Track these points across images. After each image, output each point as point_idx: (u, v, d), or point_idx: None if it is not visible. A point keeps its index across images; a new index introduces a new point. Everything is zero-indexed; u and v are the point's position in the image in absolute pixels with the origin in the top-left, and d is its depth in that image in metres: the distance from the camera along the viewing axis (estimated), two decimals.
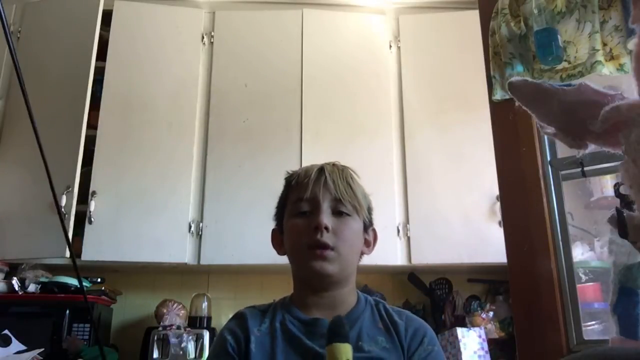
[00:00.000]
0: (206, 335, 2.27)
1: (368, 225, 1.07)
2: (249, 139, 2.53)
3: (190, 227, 2.40)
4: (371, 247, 1.09)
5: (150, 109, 2.54)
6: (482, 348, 2.24)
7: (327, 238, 0.97)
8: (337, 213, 1.01)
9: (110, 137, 2.47)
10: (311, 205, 1.01)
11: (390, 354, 0.95)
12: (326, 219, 0.98)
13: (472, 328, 2.30)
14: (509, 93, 1.03)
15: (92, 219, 2.34)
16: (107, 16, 2.60)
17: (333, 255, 0.97)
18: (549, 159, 1.84)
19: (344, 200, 1.01)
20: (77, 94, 2.38)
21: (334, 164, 1.07)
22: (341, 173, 1.04)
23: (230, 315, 1.04)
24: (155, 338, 2.23)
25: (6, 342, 2.02)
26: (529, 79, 1.14)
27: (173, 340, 2.21)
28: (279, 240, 1.07)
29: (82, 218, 2.32)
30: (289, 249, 1.03)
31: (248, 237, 2.31)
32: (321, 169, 1.04)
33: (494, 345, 2.31)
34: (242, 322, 0.99)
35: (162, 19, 2.68)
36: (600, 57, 1.63)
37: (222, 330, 1.02)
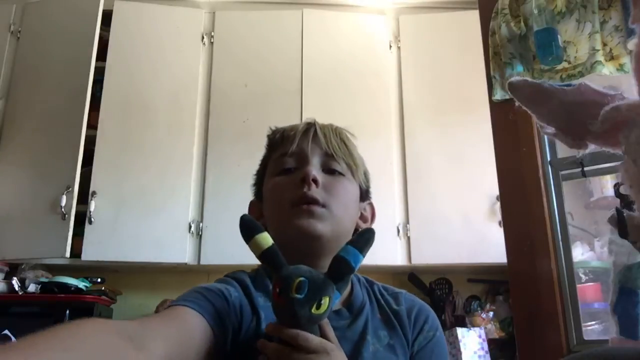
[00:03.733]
0: None
1: (365, 195, 0.91)
2: (249, 139, 2.53)
3: (190, 227, 2.40)
4: (368, 224, 0.91)
5: (150, 109, 2.54)
6: (482, 348, 2.24)
7: (316, 192, 0.80)
8: (329, 171, 0.85)
9: (110, 137, 2.47)
10: (297, 160, 0.84)
11: (395, 350, 0.82)
12: (315, 171, 0.82)
13: (472, 328, 2.30)
14: (509, 93, 1.03)
15: (92, 219, 2.34)
16: (107, 16, 2.60)
17: (323, 212, 0.80)
18: (549, 159, 1.85)
19: (336, 157, 0.85)
20: (77, 94, 2.38)
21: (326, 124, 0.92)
22: (334, 129, 0.90)
23: None
24: None
25: (6, 343, 2.02)
26: (529, 79, 1.14)
27: None
28: (258, 210, 0.89)
29: (82, 218, 2.32)
30: (270, 212, 0.85)
31: None
32: (310, 123, 0.89)
33: (494, 345, 2.31)
34: (243, 286, 0.81)
35: (162, 19, 2.69)
36: (600, 57, 1.64)
37: (221, 283, 0.81)
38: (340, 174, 0.85)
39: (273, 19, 2.73)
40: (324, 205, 0.80)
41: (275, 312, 0.70)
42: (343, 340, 0.75)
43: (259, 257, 0.71)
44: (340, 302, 0.83)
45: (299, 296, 0.66)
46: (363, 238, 0.72)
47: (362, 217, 0.90)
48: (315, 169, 0.82)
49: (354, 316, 0.82)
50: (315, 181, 0.81)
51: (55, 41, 2.56)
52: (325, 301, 0.67)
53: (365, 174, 0.92)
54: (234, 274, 0.84)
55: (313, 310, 0.66)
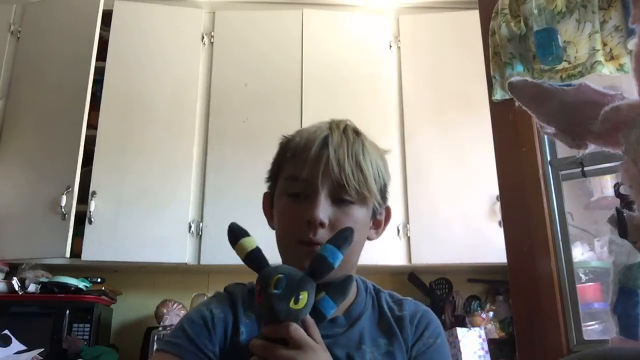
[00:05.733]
0: None
1: (379, 208, 0.90)
2: (249, 139, 2.53)
3: (190, 227, 2.40)
4: (381, 230, 0.92)
5: (150, 109, 2.54)
6: (482, 348, 2.24)
7: (320, 236, 0.80)
8: (339, 200, 0.83)
9: (110, 137, 2.47)
10: (307, 188, 0.82)
11: (394, 357, 0.83)
12: (322, 212, 0.80)
13: (472, 328, 2.30)
14: (509, 93, 1.03)
15: (92, 219, 2.34)
16: (107, 16, 2.60)
17: None
18: (549, 159, 1.84)
19: (348, 187, 0.82)
20: (77, 94, 2.38)
21: (344, 129, 0.87)
22: (350, 147, 0.84)
23: None
24: (155, 338, 2.23)
25: (6, 342, 2.02)
26: (529, 79, 1.15)
27: None
28: (269, 210, 0.91)
29: (82, 218, 2.32)
30: (277, 234, 0.87)
31: None
32: (325, 142, 0.84)
33: (494, 345, 2.31)
34: (233, 304, 0.85)
35: (162, 19, 2.68)
36: (600, 57, 1.63)
37: (203, 304, 0.86)
38: (351, 202, 0.83)
39: (273, 19, 2.73)
40: None
41: (258, 311, 0.73)
42: (336, 346, 0.79)
43: (243, 260, 0.74)
44: (340, 311, 0.85)
45: (276, 291, 0.69)
46: (341, 236, 0.74)
47: (376, 224, 0.90)
48: (322, 207, 0.81)
49: (349, 324, 0.84)
50: (321, 224, 0.80)
51: (55, 41, 2.56)
52: (304, 296, 0.70)
53: (383, 189, 0.89)
54: (231, 288, 0.89)
55: (291, 304, 0.69)
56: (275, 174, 0.91)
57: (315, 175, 0.82)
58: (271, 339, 0.70)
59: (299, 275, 0.71)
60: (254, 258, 0.74)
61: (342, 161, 0.82)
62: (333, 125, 0.88)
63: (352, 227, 0.77)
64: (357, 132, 0.88)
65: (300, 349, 0.68)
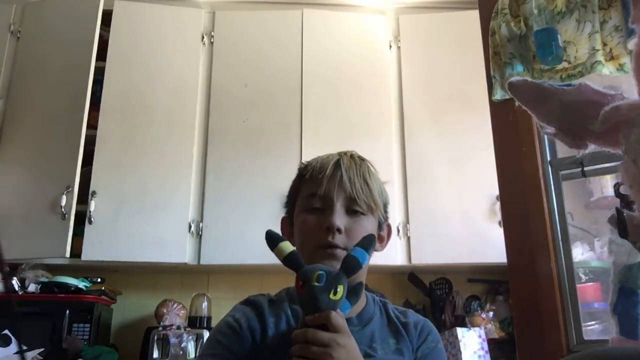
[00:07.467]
0: (206, 335, 2.27)
1: (383, 222, 1.04)
2: (249, 139, 2.53)
3: (190, 227, 2.40)
4: (384, 243, 1.06)
5: (151, 109, 2.54)
6: (482, 348, 2.24)
7: (338, 239, 0.93)
8: (351, 211, 0.97)
9: (110, 137, 2.47)
10: (324, 202, 0.96)
11: (402, 353, 0.95)
12: (339, 219, 0.94)
13: (472, 328, 2.30)
14: (509, 93, 1.03)
15: (92, 219, 2.34)
16: (107, 16, 2.60)
17: (343, 255, 0.92)
18: (549, 159, 1.84)
19: (359, 200, 0.96)
20: (77, 94, 2.37)
21: (351, 156, 1.02)
22: (358, 169, 1.00)
23: None
24: (155, 338, 2.23)
25: (6, 342, 2.02)
26: (529, 79, 1.15)
27: (173, 340, 2.21)
28: (288, 231, 1.03)
29: (82, 218, 2.32)
30: (299, 244, 0.98)
31: (248, 237, 2.31)
32: (337, 164, 0.99)
33: (494, 345, 2.31)
34: (258, 311, 0.94)
35: (162, 19, 2.68)
36: (600, 57, 1.64)
37: (228, 316, 0.95)
38: (361, 213, 0.97)
39: (273, 19, 2.73)
40: (345, 249, 0.93)
41: (300, 303, 0.84)
42: None
43: (282, 260, 0.85)
44: (354, 313, 0.96)
45: (319, 284, 0.80)
46: (366, 240, 0.88)
47: (379, 238, 1.03)
48: (338, 215, 0.95)
49: (362, 325, 0.96)
50: (338, 230, 0.94)
51: (55, 41, 2.56)
52: (340, 289, 0.81)
53: (385, 205, 1.04)
54: (255, 297, 0.98)
55: (331, 295, 0.80)
56: (293, 197, 1.04)
57: (331, 190, 0.96)
58: (312, 325, 0.80)
59: (335, 271, 0.83)
60: (292, 259, 0.85)
61: (353, 178, 0.97)
62: (342, 153, 1.03)
63: (373, 234, 0.90)
64: (362, 159, 1.03)
65: (339, 332, 0.80)
